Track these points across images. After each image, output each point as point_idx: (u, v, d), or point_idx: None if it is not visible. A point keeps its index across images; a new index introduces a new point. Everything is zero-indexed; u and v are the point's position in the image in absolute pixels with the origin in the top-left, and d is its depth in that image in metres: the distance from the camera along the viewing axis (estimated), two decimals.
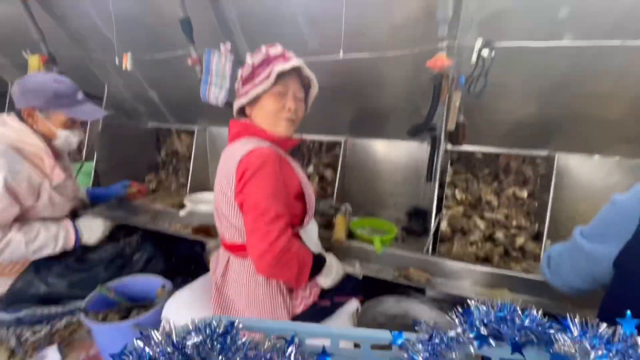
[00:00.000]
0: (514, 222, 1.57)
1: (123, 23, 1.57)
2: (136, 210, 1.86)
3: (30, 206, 1.26)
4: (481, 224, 1.57)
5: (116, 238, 1.67)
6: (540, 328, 0.44)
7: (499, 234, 1.51)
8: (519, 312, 0.45)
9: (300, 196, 1.06)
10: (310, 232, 1.11)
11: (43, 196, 1.27)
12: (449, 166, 1.73)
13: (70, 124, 1.32)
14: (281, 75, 0.99)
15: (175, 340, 0.47)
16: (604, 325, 0.43)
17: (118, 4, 1.44)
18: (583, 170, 1.54)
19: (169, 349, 0.46)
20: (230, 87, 1.43)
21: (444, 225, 1.56)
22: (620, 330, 0.42)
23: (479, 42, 1.05)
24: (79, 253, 1.40)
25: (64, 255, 1.37)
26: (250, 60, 1.05)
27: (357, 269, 1.27)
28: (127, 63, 1.54)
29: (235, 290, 1.04)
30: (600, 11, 1.05)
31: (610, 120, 1.34)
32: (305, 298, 1.05)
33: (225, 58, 1.38)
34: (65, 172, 1.38)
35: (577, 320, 0.43)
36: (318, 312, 1.07)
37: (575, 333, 0.43)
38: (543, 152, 1.57)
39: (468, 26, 1.15)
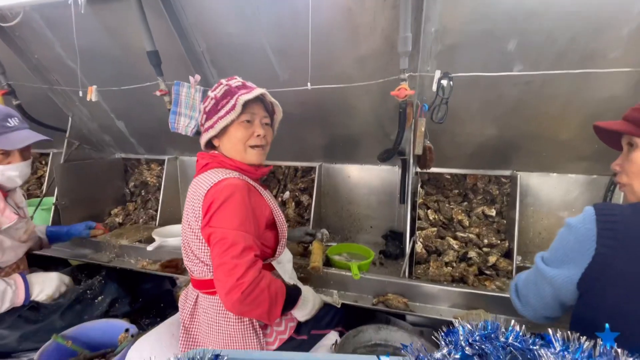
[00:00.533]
0: (486, 241, 1.61)
1: (88, 55, 1.54)
2: (100, 247, 1.75)
3: None
4: (454, 244, 1.60)
5: (77, 279, 1.55)
6: (524, 344, 0.45)
7: (472, 253, 1.54)
8: (503, 329, 0.46)
9: (272, 225, 1.04)
10: (284, 262, 1.08)
11: None
12: (419, 188, 1.77)
13: (3, 158, 1.17)
14: (246, 104, 1.00)
15: None
16: (584, 339, 0.43)
17: (82, 38, 1.42)
18: (544, 187, 1.63)
19: None
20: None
21: (419, 247, 1.57)
22: (600, 343, 0.43)
23: (437, 74, 1.12)
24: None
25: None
26: (212, 93, 1.06)
27: (335, 298, 1.25)
28: (92, 95, 1.50)
29: (205, 330, 0.98)
30: (545, 43, 1.16)
31: (563, 141, 1.44)
32: (280, 333, 1.01)
33: (195, 89, 1.37)
34: (18, 212, 1.27)
35: (559, 335, 0.44)
36: (295, 348, 1.02)
37: (558, 348, 0.43)
38: (506, 172, 1.66)
39: (427, 58, 1.23)
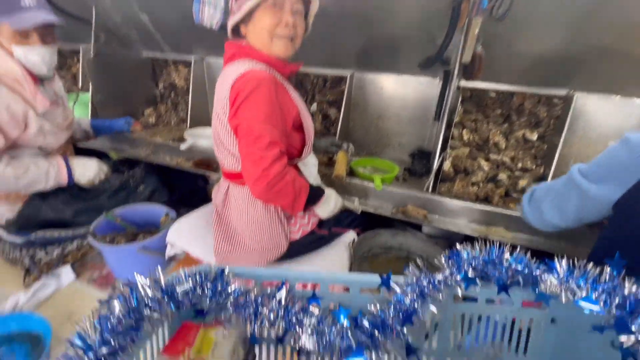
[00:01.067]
0: (520, 165, 1.54)
1: None
2: (137, 143, 1.85)
3: (17, 137, 1.21)
4: (485, 165, 1.54)
5: (120, 170, 1.68)
6: (527, 269, 0.44)
7: (503, 176, 1.49)
8: (507, 254, 0.45)
9: (299, 127, 1.03)
10: (310, 166, 1.10)
11: (31, 125, 1.20)
12: (459, 105, 1.64)
13: (21, 38, 1.13)
14: None
15: (163, 287, 0.47)
16: (590, 266, 0.43)
17: None
18: (600, 112, 1.46)
19: (158, 295, 0.46)
20: (226, 6, 1.30)
21: (446, 165, 1.53)
22: (607, 270, 0.42)
23: None
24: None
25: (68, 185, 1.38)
26: None
27: (355, 205, 1.29)
28: None
29: (236, 216, 1.06)
30: None
31: (637, 58, 1.22)
32: (303, 225, 1.08)
33: None
34: (53, 98, 1.30)
35: (564, 261, 0.43)
36: (315, 240, 1.11)
37: (562, 274, 0.43)
38: (562, 91, 1.47)
39: None
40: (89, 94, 1.97)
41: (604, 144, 1.47)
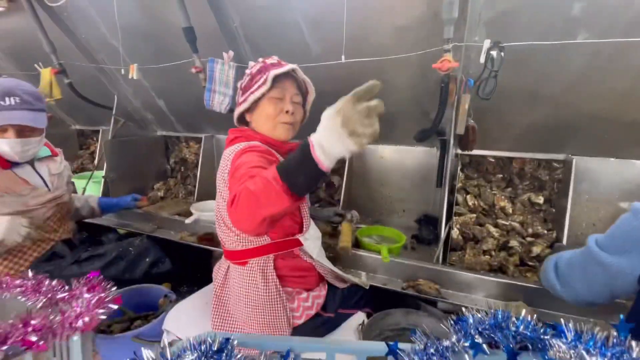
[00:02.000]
0: (530, 230, 1.50)
1: (128, 33, 1.59)
2: (143, 217, 1.87)
3: None
4: (495, 232, 1.50)
5: (121, 239, 1.66)
6: (535, 334, 0.44)
7: (514, 242, 1.43)
8: (514, 319, 0.46)
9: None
10: (312, 239, 1.08)
11: None
12: (459, 171, 1.67)
13: (0, 132, 1.19)
14: (278, 80, 1.01)
15: (169, 359, 0.46)
16: (597, 330, 0.42)
17: (123, 15, 1.46)
18: (602, 174, 1.46)
19: None
20: (234, 94, 1.43)
21: (455, 233, 1.50)
22: (614, 334, 0.42)
23: (487, 43, 1.01)
24: (78, 254, 1.37)
25: (62, 257, 1.36)
26: (249, 70, 1.09)
27: (363, 279, 1.23)
28: (134, 72, 1.55)
29: (234, 299, 1.02)
30: (617, 8, 0.99)
31: (629, 122, 1.26)
32: (307, 309, 1.01)
33: (229, 66, 1.37)
34: (22, 182, 1.29)
35: (571, 325, 0.43)
36: (321, 325, 1.03)
37: (570, 338, 0.42)
38: (560, 156, 1.50)
39: (475, 26, 1.12)
40: (102, 172, 2.07)
41: (614, 205, 1.44)
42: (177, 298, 1.32)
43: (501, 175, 1.67)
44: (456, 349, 0.44)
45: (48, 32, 1.72)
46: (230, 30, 1.45)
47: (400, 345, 0.47)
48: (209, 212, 1.72)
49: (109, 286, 0.66)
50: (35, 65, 1.84)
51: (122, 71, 1.58)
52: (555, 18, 1.06)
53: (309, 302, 1.03)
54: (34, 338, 0.53)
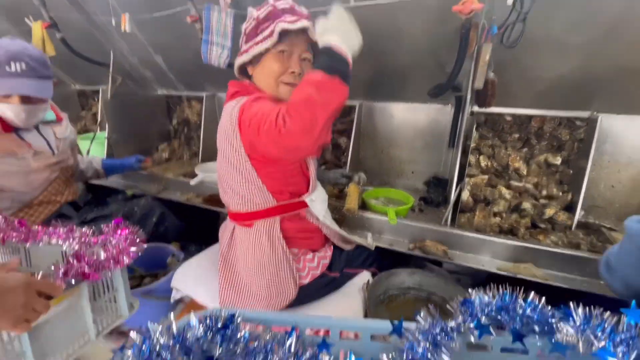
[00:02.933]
0: (544, 192, 1.44)
1: None
2: (149, 179, 1.86)
3: None
4: (507, 194, 1.45)
5: (128, 199, 1.68)
6: (542, 317, 0.44)
7: (527, 204, 1.39)
8: (521, 301, 0.45)
9: (302, 170, 1.00)
10: (318, 201, 1.05)
11: None
12: (474, 130, 1.58)
13: (2, 97, 1.15)
14: (286, 34, 0.90)
15: (175, 333, 0.46)
16: (607, 314, 0.42)
17: None
18: (629, 133, 1.36)
19: (170, 342, 0.45)
20: (233, 46, 1.33)
21: (465, 195, 1.45)
22: (624, 319, 0.41)
23: None
24: (84, 215, 1.38)
25: (69, 217, 1.38)
26: (255, 13, 0.96)
27: (369, 240, 1.22)
28: (126, 24, 1.45)
29: (241, 260, 1.01)
30: None
31: None
32: (312, 269, 1.01)
33: (226, 14, 1.25)
34: (24, 145, 1.26)
35: (580, 309, 0.43)
36: (326, 284, 1.04)
37: (578, 322, 0.42)
38: (584, 114, 1.39)
39: None
40: (105, 133, 2.03)
41: (636, 167, 1.36)
42: (185, 257, 1.34)
43: (517, 135, 1.58)
44: (462, 330, 0.44)
45: None
46: None
47: (405, 324, 0.47)
48: (213, 173, 1.69)
49: (135, 229, 0.82)
50: (26, 19, 1.73)
51: (113, 22, 1.47)
52: None
53: (315, 263, 1.03)
54: (88, 270, 0.69)
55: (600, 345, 0.39)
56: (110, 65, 1.97)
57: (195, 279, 1.09)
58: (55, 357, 0.68)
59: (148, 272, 1.33)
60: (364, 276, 1.11)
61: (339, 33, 0.78)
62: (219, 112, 2.18)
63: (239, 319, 0.50)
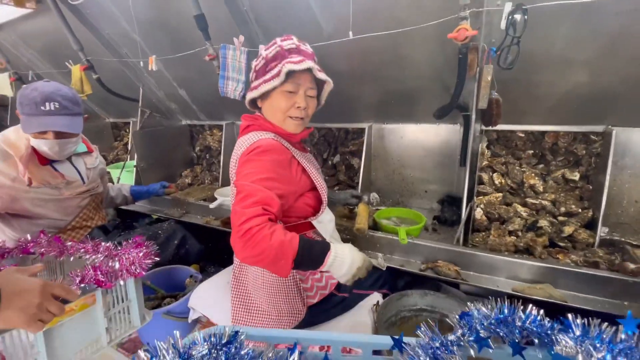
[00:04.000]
0: (563, 209, 1.40)
1: (145, 25, 1.64)
2: (172, 204, 1.98)
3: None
4: (523, 212, 1.42)
5: (152, 224, 1.78)
6: (541, 329, 0.44)
7: (544, 222, 1.35)
8: (520, 313, 0.45)
9: (313, 187, 1.05)
10: (325, 222, 1.08)
11: (23, 195, 1.30)
12: (484, 148, 1.58)
13: (38, 134, 1.26)
14: (292, 73, 0.97)
15: (181, 350, 0.49)
16: (605, 325, 0.42)
17: (138, 7, 1.50)
18: None
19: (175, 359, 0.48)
20: (247, 80, 1.43)
21: (478, 214, 1.43)
22: (622, 329, 0.41)
23: (508, 7, 0.92)
24: (113, 238, 1.48)
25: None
26: (264, 52, 1.04)
27: (380, 261, 1.23)
28: (153, 64, 1.60)
29: (251, 281, 1.05)
30: None
31: None
32: (320, 288, 1.03)
33: (240, 51, 1.37)
34: (57, 175, 1.38)
35: (579, 320, 0.43)
36: (335, 305, 1.05)
37: (577, 333, 0.42)
38: (598, 128, 1.37)
39: None
40: (134, 162, 2.19)
41: None
42: (203, 278, 1.39)
43: (532, 151, 1.56)
44: (461, 343, 0.44)
45: (74, 30, 1.81)
46: (240, 14, 1.44)
47: (405, 339, 0.47)
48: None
49: (150, 244, 0.90)
50: (66, 62, 1.96)
51: (142, 63, 1.64)
52: None
53: (323, 282, 1.05)
54: (102, 278, 0.75)
55: (600, 356, 0.39)
56: (139, 100, 2.16)
57: (210, 299, 1.13)
58: (68, 359, 0.73)
59: (169, 294, 1.39)
60: (374, 297, 1.11)
61: (340, 261, 0.89)
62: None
63: (242, 336, 0.51)
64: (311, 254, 0.86)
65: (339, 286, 1.07)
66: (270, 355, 0.49)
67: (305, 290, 1.03)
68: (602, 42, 1.07)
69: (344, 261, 0.89)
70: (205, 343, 0.50)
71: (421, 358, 0.44)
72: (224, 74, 1.42)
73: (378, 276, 1.17)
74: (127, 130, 2.96)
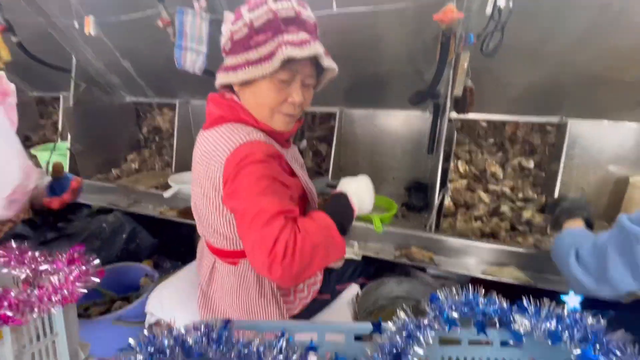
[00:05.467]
0: (520, 194, 1.49)
1: None
2: (118, 192, 1.74)
3: None
4: (486, 198, 1.49)
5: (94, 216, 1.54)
6: (500, 311, 0.52)
7: (505, 208, 1.43)
8: (482, 299, 0.53)
9: (302, 196, 0.88)
10: None
11: None
12: (455, 136, 1.61)
13: None
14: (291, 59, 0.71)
15: (176, 335, 0.50)
16: (553, 304, 0.50)
17: None
18: (594, 137, 1.44)
19: (171, 343, 0.49)
20: (209, 51, 1.27)
21: (446, 200, 1.47)
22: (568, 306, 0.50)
23: None
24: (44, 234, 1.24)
25: (25, 238, 1.23)
26: (247, 15, 0.73)
27: (355, 250, 1.20)
28: (90, 27, 1.35)
29: (224, 300, 0.90)
30: None
31: (628, 82, 1.22)
32: (303, 298, 0.94)
33: (201, 18, 1.20)
34: None
35: (532, 301, 0.51)
36: (319, 308, 0.98)
37: (531, 312, 0.50)
38: (554, 119, 1.46)
39: None
40: (67, 144, 1.89)
41: (604, 170, 1.44)
42: (160, 276, 1.25)
43: (493, 140, 1.64)
44: (434, 326, 0.50)
45: None
46: None
47: (384, 324, 0.54)
48: (188, 185, 1.61)
49: (91, 259, 0.65)
50: None
51: (76, 25, 1.37)
52: None
53: (305, 292, 0.96)
54: (9, 313, 0.54)
55: (550, 328, 0.47)
56: (72, 71, 1.84)
57: (172, 301, 1.00)
58: None
59: (120, 296, 1.22)
60: (353, 289, 1.07)
61: (359, 196, 0.83)
62: (194, 119, 2.09)
63: (232, 327, 0.53)
64: (342, 213, 0.78)
65: (321, 289, 0.99)
66: (258, 342, 0.50)
67: (288, 302, 0.92)
68: (571, 37, 1.12)
69: (360, 191, 0.85)
70: (197, 331, 0.50)
71: (398, 337, 0.48)
72: (181, 43, 1.24)
73: (355, 266, 1.14)
74: (57, 106, 2.55)
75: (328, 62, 0.76)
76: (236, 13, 0.77)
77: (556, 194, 1.37)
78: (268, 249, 0.64)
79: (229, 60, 0.77)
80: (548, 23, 1.10)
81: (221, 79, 0.79)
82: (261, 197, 0.69)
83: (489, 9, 0.92)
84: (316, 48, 0.72)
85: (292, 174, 0.84)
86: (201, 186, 0.81)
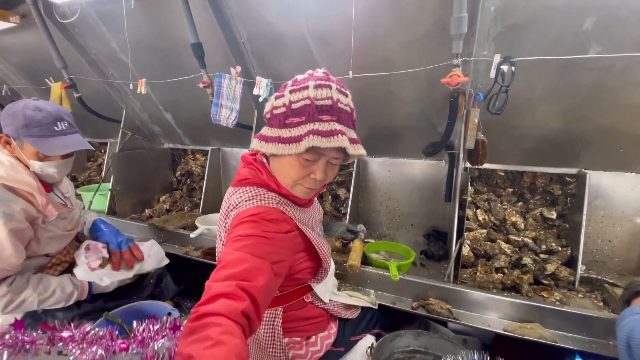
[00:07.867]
0: (544, 246, 1.45)
1: (138, 49, 1.62)
2: (147, 231, 1.86)
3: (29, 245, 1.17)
4: (506, 248, 1.46)
5: None
6: None
7: (527, 260, 1.39)
8: None
9: (316, 255, 0.92)
10: (327, 284, 1.01)
11: (40, 234, 1.18)
12: (469, 185, 1.64)
13: (44, 156, 1.16)
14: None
15: None
16: None
17: (133, 30, 1.48)
18: (618, 189, 1.42)
19: None
20: (241, 109, 1.43)
21: (465, 250, 1.46)
22: None
23: (497, 58, 1.00)
24: None
25: None
26: (289, 95, 0.76)
27: (371, 298, 1.19)
28: (142, 87, 1.57)
29: None
30: (628, 21, 0.98)
31: None
32: (315, 352, 0.94)
33: (236, 81, 1.38)
34: (64, 201, 1.29)
35: None
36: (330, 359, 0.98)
37: None
38: (572, 170, 1.46)
39: (484, 41, 1.11)
40: (109, 185, 2.07)
41: (631, 222, 1.39)
42: (181, 315, 1.29)
43: (512, 190, 1.64)
44: None
45: (59, 48, 1.75)
46: (237, 46, 1.46)
47: None
48: (214, 226, 1.70)
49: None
50: (46, 79, 1.87)
51: (131, 86, 1.60)
52: (566, 32, 1.05)
53: (318, 346, 0.96)
54: None
55: None
56: (121, 121, 2.08)
57: None
58: None
59: None
60: (367, 340, 1.06)
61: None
62: (223, 165, 2.25)
63: None
64: None
65: (335, 341, 0.99)
66: None
67: (300, 357, 0.93)
68: (577, 94, 1.18)
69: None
70: None
71: None
72: (218, 101, 1.41)
73: (370, 316, 1.13)
74: (103, 150, 2.83)
75: (354, 151, 0.75)
76: (282, 88, 0.82)
77: (581, 247, 1.33)
78: (201, 300, 0.62)
79: (266, 131, 0.81)
80: (552, 82, 1.17)
81: (255, 145, 0.83)
82: (240, 252, 0.69)
83: (493, 73, 1.01)
84: (342, 141, 0.72)
85: (304, 237, 0.87)
86: (220, 237, 0.90)
